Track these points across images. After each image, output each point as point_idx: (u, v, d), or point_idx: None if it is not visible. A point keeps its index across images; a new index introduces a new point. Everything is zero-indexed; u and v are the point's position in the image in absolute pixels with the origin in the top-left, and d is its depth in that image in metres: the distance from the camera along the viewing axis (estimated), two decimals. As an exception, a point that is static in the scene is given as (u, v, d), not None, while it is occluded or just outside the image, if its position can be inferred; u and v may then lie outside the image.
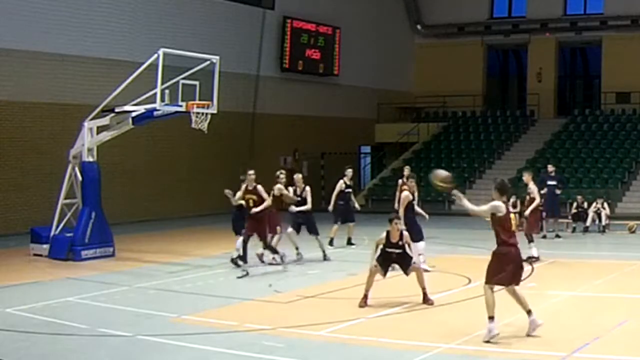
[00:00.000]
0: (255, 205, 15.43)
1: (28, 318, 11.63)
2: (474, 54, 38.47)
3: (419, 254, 15.45)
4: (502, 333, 10.36)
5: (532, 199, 17.59)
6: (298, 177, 17.82)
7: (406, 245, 12.42)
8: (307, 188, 17.52)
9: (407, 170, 21.14)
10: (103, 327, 10.90)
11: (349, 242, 20.01)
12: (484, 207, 10.30)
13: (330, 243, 19.41)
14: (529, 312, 10.18)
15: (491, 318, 9.97)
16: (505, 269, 10.09)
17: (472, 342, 9.90)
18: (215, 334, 10.75)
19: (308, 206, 17.35)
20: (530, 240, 17.01)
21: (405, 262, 12.36)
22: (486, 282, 10.18)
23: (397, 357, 9.58)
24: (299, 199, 17.43)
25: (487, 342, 9.83)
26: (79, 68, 24.39)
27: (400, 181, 20.95)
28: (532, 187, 17.82)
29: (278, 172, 17.63)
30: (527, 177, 18.15)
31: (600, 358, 9.15)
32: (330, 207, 19.72)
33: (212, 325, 11.15)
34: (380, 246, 12.37)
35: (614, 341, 9.92)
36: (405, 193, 15.78)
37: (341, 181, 19.81)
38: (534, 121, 36.52)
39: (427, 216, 16.84)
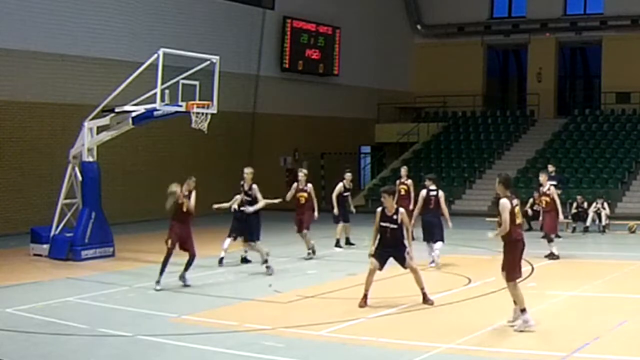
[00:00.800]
0: (188, 212, 14.76)
1: (28, 318, 11.63)
2: (474, 54, 38.45)
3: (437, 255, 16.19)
4: (501, 333, 10.39)
5: (552, 200, 17.78)
6: (247, 170, 16.32)
7: (404, 231, 12.25)
8: (255, 186, 16.16)
9: (404, 171, 21.18)
10: (103, 327, 10.90)
11: (348, 242, 20.02)
12: (505, 216, 10.52)
13: (338, 244, 19.45)
14: (523, 311, 10.49)
15: (524, 310, 10.39)
16: (519, 262, 10.58)
17: (472, 342, 9.90)
18: (215, 334, 10.75)
19: (259, 205, 15.95)
20: (550, 240, 17.58)
21: (400, 253, 12.18)
22: (509, 281, 10.57)
23: (397, 357, 9.57)
24: (249, 198, 16.16)
25: (521, 331, 10.29)
26: (79, 68, 24.38)
27: (397, 182, 20.98)
28: (552, 190, 17.89)
29: (300, 173, 18.32)
30: (543, 178, 18.23)
31: (600, 358, 9.15)
32: (335, 211, 19.60)
33: (212, 325, 11.15)
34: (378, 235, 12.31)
35: (614, 341, 9.92)
36: (441, 192, 16.66)
37: (340, 184, 19.81)
38: (534, 121, 36.51)
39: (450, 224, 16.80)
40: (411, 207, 20.44)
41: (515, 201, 10.81)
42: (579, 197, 24.35)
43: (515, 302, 10.62)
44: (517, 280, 10.74)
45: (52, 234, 18.21)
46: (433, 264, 16.01)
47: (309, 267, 16.60)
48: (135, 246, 19.85)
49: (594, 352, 9.31)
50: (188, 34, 26.92)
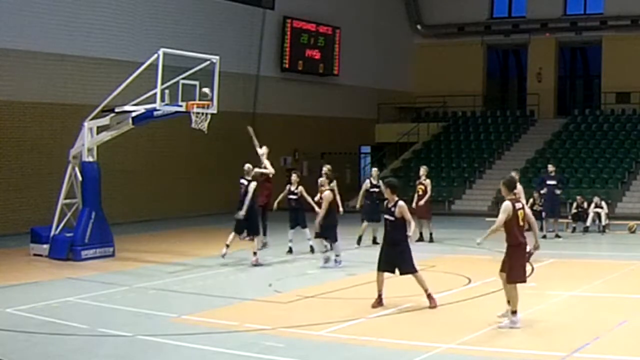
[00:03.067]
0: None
1: (28, 318, 11.62)
2: (474, 54, 38.45)
3: None
4: (502, 333, 10.40)
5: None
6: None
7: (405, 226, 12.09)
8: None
9: (422, 170, 21.13)
10: (103, 327, 10.90)
11: (374, 241, 19.83)
12: (501, 217, 10.58)
13: (359, 241, 19.48)
14: (514, 312, 10.62)
15: (515, 312, 10.54)
16: (522, 266, 10.67)
17: (472, 342, 9.91)
18: (215, 334, 10.75)
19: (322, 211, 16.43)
20: None
21: (400, 258, 11.98)
22: (510, 282, 10.67)
23: (397, 357, 9.58)
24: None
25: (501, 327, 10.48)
26: (79, 68, 24.36)
27: (417, 182, 21.03)
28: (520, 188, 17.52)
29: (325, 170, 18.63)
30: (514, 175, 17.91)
31: (600, 358, 9.15)
32: (357, 205, 19.68)
33: (212, 325, 11.15)
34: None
35: (614, 341, 9.93)
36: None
37: (367, 181, 19.87)
38: (534, 121, 36.50)
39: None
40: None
41: (518, 204, 10.78)
42: (578, 197, 24.34)
43: (508, 302, 10.71)
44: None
45: (52, 234, 18.19)
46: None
47: (309, 267, 16.59)
48: (135, 246, 19.85)
49: (594, 352, 9.32)
50: (188, 34, 26.91)
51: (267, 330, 10.71)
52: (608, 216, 23.45)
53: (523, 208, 10.87)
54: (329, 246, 16.45)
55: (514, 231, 10.60)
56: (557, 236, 21.40)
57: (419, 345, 9.79)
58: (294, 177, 18.55)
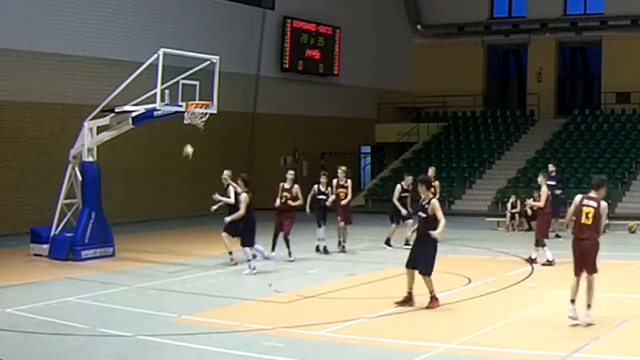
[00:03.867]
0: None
1: (28, 318, 11.62)
2: (474, 54, 38.46)
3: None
4: (502, 333, 10.39)
5: (546, 201, 17.19)
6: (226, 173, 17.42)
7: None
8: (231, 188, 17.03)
9: (431, 172, 21.12)
10: (103, 327, 10.90)
11: (407, 243, 19.68)
12: (571, 209, 11.22)
13: (388, 243, 19.44)
14: (588, 306, 10.76)
15: (572, 301, 10.83)
16: (576, 260, 10.96)
17: (472, 342, 9.90)
18: (215, 334, 10.75)
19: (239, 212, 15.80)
20: (542, 245, 16.83)
21: (421, 252, 12.00)
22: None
23: (397, 357, 9.58)
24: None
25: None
26: (79, 68, 24.36)
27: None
28: (543, 190, 17.47)
29: (339, 170, 19.07)
30: (541, 179, 17.89)
31: (600, 358, 9.15)
32: (404, 212, 19.54)
33: (212, 325, 11.15)
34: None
35: (614, 341, 9.92)
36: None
37: (399, 185, 19.85)
38: (534, 121, 36.51)
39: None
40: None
41: (590, 201, 10.87)
42: (578, 197, 24.28)
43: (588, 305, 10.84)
44: (586, 275, 10.91)
45: (52, 234, 18.18)
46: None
47: (309, 267, 16.59)
48: (135, 246, 19.85)
49: (594, 352, 9.32)
50: (188, 34, 26.92)
51: (267, 330, 10.71)
52: (608, 216, 23.36)
53: (596, 207, 10.81)
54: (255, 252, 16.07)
55: (575, 225, 10.97)
56: (557, 236, 21.36)
57: (419, 345, 9.79)
58: (323, 178, 18.75)
